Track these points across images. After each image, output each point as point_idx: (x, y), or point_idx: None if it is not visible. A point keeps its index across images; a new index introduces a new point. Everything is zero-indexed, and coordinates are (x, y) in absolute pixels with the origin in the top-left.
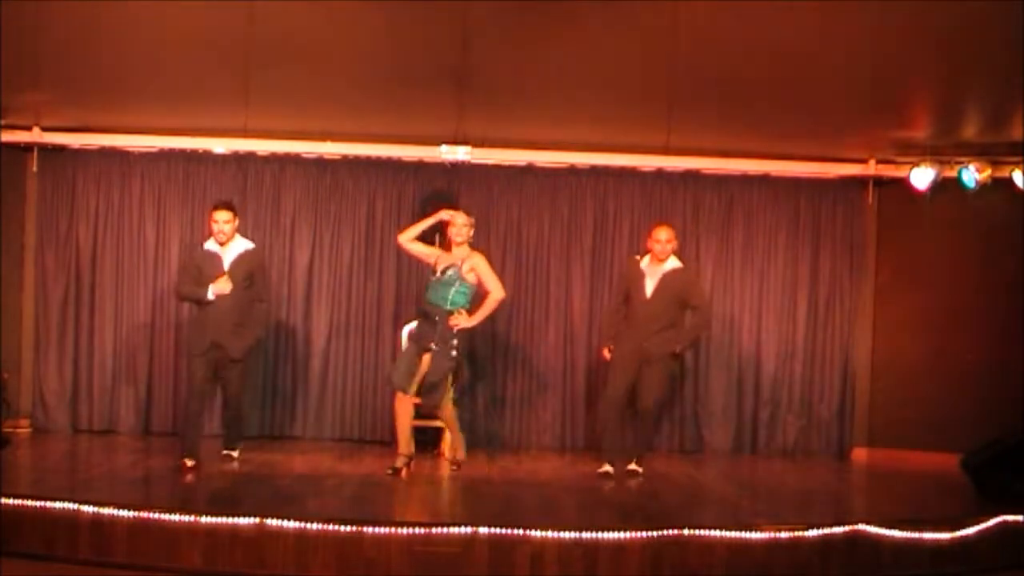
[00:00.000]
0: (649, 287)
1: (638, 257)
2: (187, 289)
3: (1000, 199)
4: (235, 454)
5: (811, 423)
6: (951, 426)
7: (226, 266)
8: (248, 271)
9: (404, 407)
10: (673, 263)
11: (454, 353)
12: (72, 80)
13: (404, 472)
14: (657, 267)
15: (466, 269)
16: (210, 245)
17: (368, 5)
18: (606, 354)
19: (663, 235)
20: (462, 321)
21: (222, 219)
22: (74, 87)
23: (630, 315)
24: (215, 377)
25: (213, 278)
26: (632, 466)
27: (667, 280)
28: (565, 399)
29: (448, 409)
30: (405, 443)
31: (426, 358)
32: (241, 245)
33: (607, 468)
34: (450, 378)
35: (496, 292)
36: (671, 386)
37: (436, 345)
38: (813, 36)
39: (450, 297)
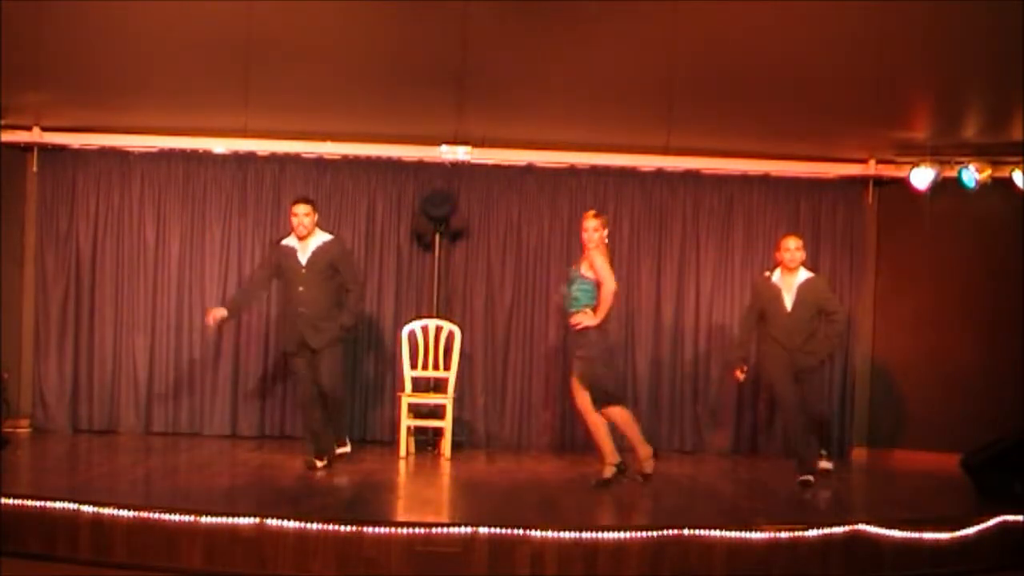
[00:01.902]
0: (788, 300)
1: (768, 273)
2: (245, 291)
3: (1000, 199)
4: (347, 449)
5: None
6: (951, 426)
7: (303, 261)
8: (329, 262)
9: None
10: (805, 273)
11: (591, 355)
12: (72, 80)
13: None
14: (791, 278)
15: (585, 266)
16: (289, 241)
17: (368, 5)
18: (739, 375)
19: (792, 244)
20: (585, 320)
21: (301, 212)
22: (74, 87)
23: (772, 331)
24: (312, 375)
25: (290, 272)
26: (823, 463)
27: (804, 290)
28: (565, 399)
29: (609, 411)
30: (611, 452)
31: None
32: (320, 238)
33: (809, 477)
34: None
35: (608, 284)
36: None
37: (578, 351)
38: (813, 36)
39: (572, 295)
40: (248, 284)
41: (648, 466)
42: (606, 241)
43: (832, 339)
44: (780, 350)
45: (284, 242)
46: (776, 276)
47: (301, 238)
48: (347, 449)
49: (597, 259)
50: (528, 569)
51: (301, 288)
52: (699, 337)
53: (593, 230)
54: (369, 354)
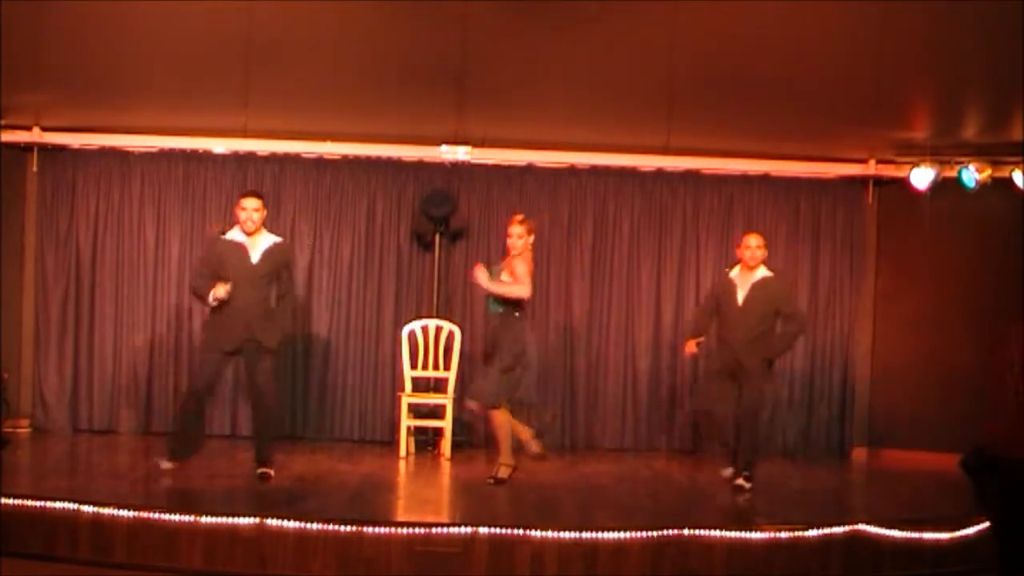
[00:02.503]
0: (740, 296)
1: (728, 269)
2: (202, 283)
3: (1000, 199)
4: (271, 471)
5: (811, 423)
6: (951, 426)
7: (254, 259)
8: (275, 266)
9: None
10: (764, 272)
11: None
12: (72, 80)
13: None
14: (748, 276)
15: (507, 272)
16: (235, 235)
17: (368, 5)
18: (692, 347)
19: (753, 241)
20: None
21: (251, 207)
22: (74, 87)
23: (720, 327)
24: (248, 375)
25: (238, 269)
26: (740, 481)
27: (759, 288)
28: (565, 399)
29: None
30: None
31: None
32: (269, 238)
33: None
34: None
35: (522, 291)
36: (768, 394)
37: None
38: (813, 36)
39: (491, 298)
40: (200, 279)
41: (503, 472)
42: (531, 247)
43: (784, 340)
44: (723, 346)
45: (229, 236)
46: (735, 272)
47: (249, 234)
48: (271, 473)
49: (519, 267)
50: (528, 569)
51: (248, 287)
52: None
53: (518, 236)
54: (369, 354)
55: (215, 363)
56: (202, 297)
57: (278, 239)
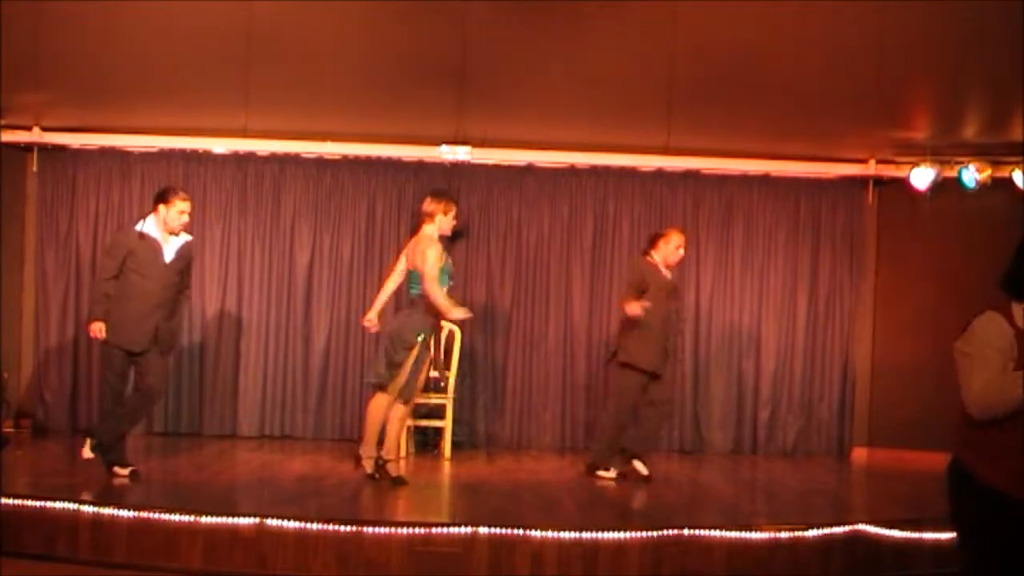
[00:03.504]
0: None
1: (651, 259)
2: (107, 283)
3: (1000, 199)
4: (124, 471)
5: (811, 423)
6: (951, 426)
7: (168, 257)
8: (187, 264)
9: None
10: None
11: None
12: (72, 80)
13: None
14: (668, 272)
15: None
16: (151, 231)
17: (368, 5)
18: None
19: (682, 240)
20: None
21: (188, 208)
22: (74, 87)
23: (654, 320)
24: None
25: (154, 268)
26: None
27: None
28: (565, 399)
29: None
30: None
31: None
32: (183, 236)
33: (616, 472)
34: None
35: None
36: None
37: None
38: (813, 36)
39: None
40: (103, 282)
41: (367, 465)
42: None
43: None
44: (654, 340)
45: (145, 230)
46: (658, 262)
47: (174, 234)
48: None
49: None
50: (528, 569)
51: (160, 286)
52: (699, 337)
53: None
54: (369, 354)
55: (121, 362)
56: (105, 294)
57: (189, 237)
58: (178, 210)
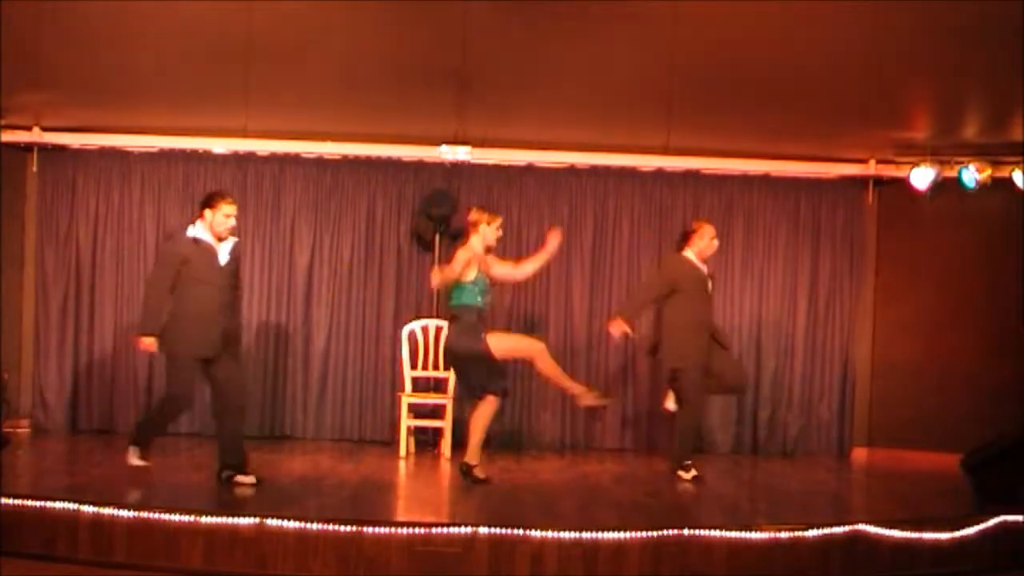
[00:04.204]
0: (710, 285)
1: (686, 254)
2: (163, 295)
3: (1000, 199)
4: (248, 479)
5: (811, 423)
6: (951, 426)
7: (223, 260)
8: (238, 264)
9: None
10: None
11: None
12: (72, 80)
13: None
14: (703, 266)
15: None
16: (204, 235)
17: (368, 5)
18: (624, 330)
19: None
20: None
21: (234, 212)
22: (74, 87)
23: (697, 316)
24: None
25: (211, 273)
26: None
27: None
28: (565, 399)
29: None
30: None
31: None
32: (232, 239)
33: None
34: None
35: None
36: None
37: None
38: (813, 36)
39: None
40: (156, 291)
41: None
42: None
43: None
44: (704, 338)
45: (197, 236)
46: (693, 258)
47: (222, 239)
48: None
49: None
50: (528, 569)
51: (219, 289)
52: None
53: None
54: (369, 354)
55: (193, 370)
56: (158, 312)
57: (236, 239)
58: (224, 214)
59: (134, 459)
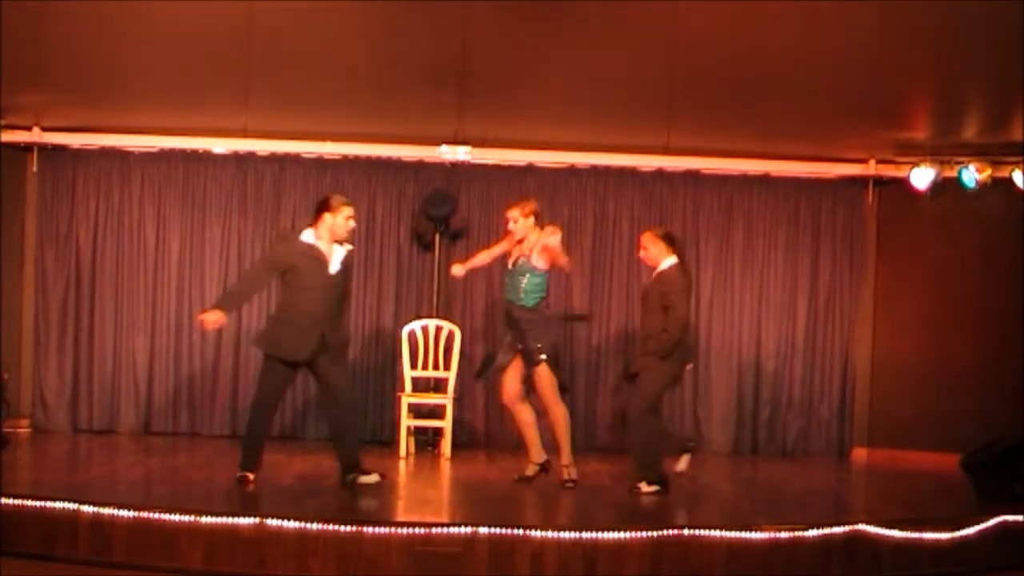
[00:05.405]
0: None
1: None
2: (243, 288)
3: (1000, 199)
4: (372, 478)
5: (811, 423)
6: (951, 426)
7: (333, 268)
8: (349, 273)
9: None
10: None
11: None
12: (72, 80)
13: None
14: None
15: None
16: (315, 240)
17: (368, 5)
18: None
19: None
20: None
21: (353, 214)
22: (74, 87)
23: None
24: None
25: (320, 279)
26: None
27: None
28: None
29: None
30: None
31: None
32: (345, 246)
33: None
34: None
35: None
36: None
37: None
38: (813, 36)
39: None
40: (249, 280)
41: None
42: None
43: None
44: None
45: (308, 240)
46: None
47: (340, 242)
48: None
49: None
50: (528, 569)
51: (326, 296)
52: (699, 336)
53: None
54: (369, 354)
55: (288, 372)
56: (238, 304)
57: (351, 246)
58: (345, 216)
59: (240, 475)
